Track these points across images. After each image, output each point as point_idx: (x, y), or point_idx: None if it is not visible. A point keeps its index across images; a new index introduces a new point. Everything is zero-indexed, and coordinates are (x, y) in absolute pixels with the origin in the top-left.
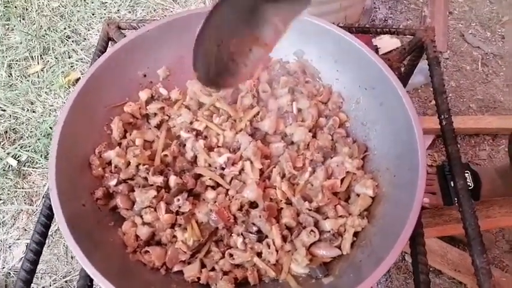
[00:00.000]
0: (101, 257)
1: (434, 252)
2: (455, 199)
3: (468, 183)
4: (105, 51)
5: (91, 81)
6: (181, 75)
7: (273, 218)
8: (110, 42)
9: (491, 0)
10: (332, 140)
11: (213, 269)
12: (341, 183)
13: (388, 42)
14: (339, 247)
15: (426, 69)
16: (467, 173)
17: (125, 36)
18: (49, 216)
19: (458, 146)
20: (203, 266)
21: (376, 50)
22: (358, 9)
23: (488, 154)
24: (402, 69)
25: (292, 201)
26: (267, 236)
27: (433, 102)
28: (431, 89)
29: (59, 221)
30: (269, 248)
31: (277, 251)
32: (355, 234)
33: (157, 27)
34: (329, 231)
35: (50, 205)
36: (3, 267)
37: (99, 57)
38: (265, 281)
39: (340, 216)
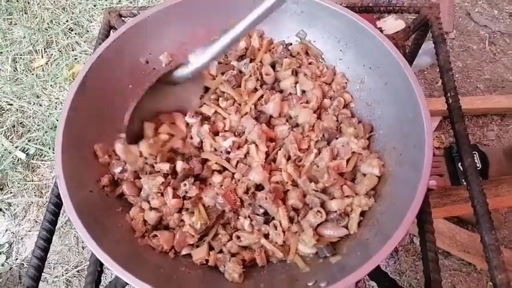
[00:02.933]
0: (110, 242)
1: (443, 233)
2: (463, 180)
3: (476, 163)
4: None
5: (93, 70)
6: (183, 60)
7: (279, 199)
8: (111, 31)
9: None
10: (337, 120)
11: (221, 251)
12: (347, 163)
13: (392, 24)
14: (346, 227)
15: (432, 50)
16: (475, 153)
17: None
18: (58, 204)
19: (466, 124)
20: (211, 248)
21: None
22: None
23: (496, 134)
24: (407, 49)
25: (298, 183)
26: (273, 218)
27: (440, 83)
28: (438, 70)
29: (67, 207)
30: (276, 230)
31: (284, 232)
32: (362, 213)
33: (157, 13)
34: (336, 212)
35: (58, 193)
36: (17, 259)
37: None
38: (273, 261)
39: (347, 196)
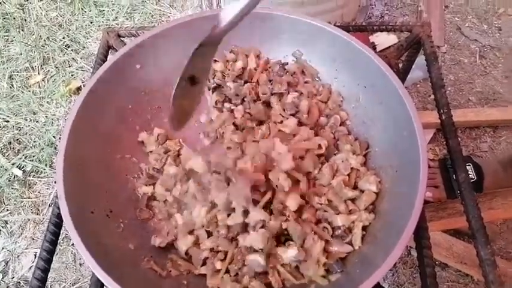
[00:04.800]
0: (111, 262)
1: (440, 245)
2: (458, 192)
3: (471, 175)
4: (106, 59)
5: (94, 90)
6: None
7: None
8: (110, 51)
9: None
10: (334, 138)
11: (236, 275)
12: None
13: (385, 39)
14: (350, 243)
15: (424, 64)
16: (469, 165)
17: (124, 44)
18: (57, 224)
19: (459, 139)
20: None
21: (373, 47)
22: (354, 7)
23: (489, 146)
24: (400, 65)
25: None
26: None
27: (433, 96)
28: (430, 83)
29: (69, 228)
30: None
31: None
32: (363, 228)
33: (154, 36)
34: (340, 227)
35: (58, 213)
36: (13, 277)
37: (100, 66)
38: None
39: (350, 211)
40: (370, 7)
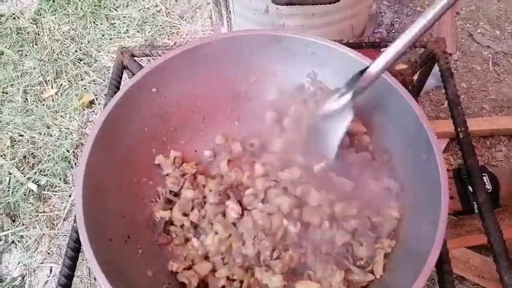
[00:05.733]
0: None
1: (457, 258)
2: (474, 203)
3: (486, 186)
4: (120, 80)
5: (110, 115)
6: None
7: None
8: (124, 71)
9: None
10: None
11: None
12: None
13: None
14: (371, 271)
15: (437, 73)
16: (484, 175)
17: (139, 64)
18: (77, 240)
19: (474, 146)
20: None
21: None
22: (364, 17)
23: (505, 155)
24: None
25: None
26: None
27: (445, 105)
28: (443, 91)
29: (89, 256)
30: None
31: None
32: (385, 256)
33: (170, 59)
34: (362, 258)
35: (77, 238)
36: None
37: (115, 87)
38: None
39: (375, 240)
40: (380, 15)
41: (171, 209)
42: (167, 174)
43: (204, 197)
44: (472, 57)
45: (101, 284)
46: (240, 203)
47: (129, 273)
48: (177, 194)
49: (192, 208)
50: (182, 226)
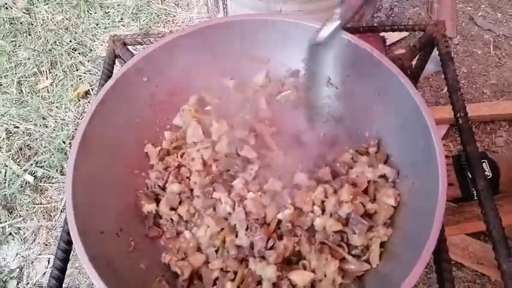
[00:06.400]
0: (122, 284)
1: (455, 245)
2: (474, 190)
3: (486, 172)
4: (112, 69)
5: (101, 105)
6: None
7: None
8: (116, 60)
9: None
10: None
11: None
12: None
13: (396, 33)
14: (367, 260)
15: (436, 57)
16: (484, 162)
17: (131, 52)
18: (69, 241)
19: (477, 144)
20: None
21: (383, 40)
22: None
23: (505, 140)
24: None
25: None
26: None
27: (445, 90)
28: (442, 76)
29: (79, 251)
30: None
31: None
32: (381, 245)
33: (161, 47)
34: (357, 247)
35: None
36: (28, 283)
37: (107, 76)
38: None
39: (369, 228)
40: None
41: (157, 202)
42: (152, 165)
43: (191, 190)
44: (473, 41)
45: (91, 279)
46: (229, 193)
47: (121, 267)
48: (163, 188)
49: (180, 202)
50: (172, 220)
